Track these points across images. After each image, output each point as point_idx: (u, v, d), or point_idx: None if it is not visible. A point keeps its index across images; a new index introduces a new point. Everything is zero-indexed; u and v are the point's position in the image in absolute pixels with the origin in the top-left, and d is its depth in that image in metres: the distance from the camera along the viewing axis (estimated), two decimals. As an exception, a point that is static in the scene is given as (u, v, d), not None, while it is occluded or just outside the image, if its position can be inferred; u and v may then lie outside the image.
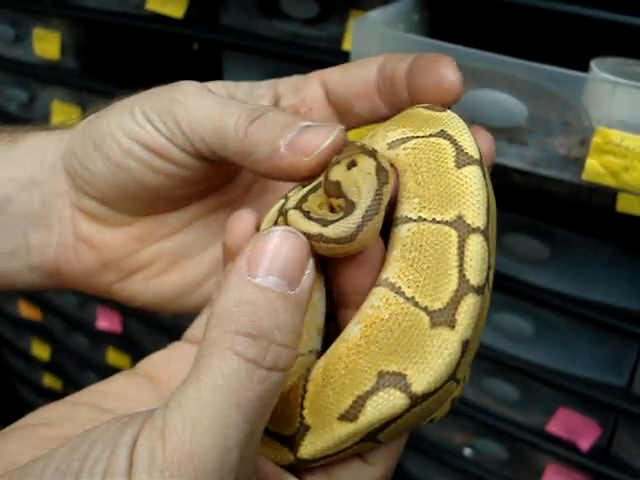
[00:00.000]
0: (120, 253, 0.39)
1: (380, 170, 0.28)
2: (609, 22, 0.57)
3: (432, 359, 0.26)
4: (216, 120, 0.32)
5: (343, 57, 0.74)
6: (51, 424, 0.30)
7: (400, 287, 0.27)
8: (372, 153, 0.29)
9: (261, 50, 0.82)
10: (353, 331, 0.27)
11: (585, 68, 0.58)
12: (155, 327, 1.19)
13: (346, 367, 0.26)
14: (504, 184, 0.70)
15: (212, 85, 0.37)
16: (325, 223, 0.26)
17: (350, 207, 0.27)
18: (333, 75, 0.38)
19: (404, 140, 0.30)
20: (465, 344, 0.26)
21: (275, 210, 0.31)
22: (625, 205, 0.63)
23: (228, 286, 0.24)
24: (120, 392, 0.33)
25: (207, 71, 0.89)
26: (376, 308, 0.27)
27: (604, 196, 0.64)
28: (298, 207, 0.28)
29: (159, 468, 0.22)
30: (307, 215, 0.27)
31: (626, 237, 0.67)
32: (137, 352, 1.28)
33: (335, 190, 0.28)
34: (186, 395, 0.23)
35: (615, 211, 0.64)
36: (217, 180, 0.38)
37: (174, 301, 0.40)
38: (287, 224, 0.28)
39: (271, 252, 0.25)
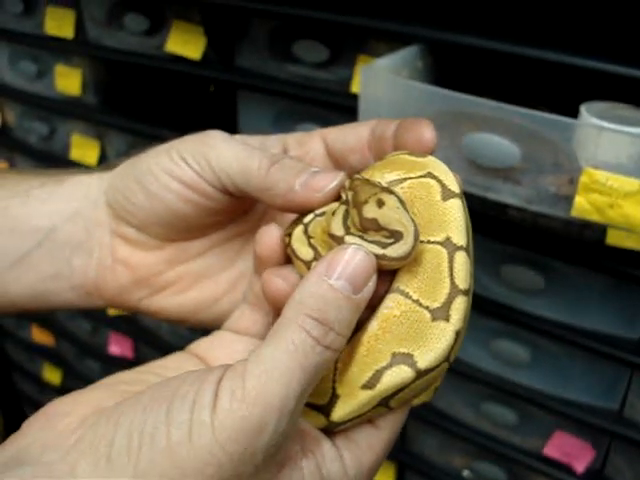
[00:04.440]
0: (151, 272, 0.45)
1: (402, 202, 0.35)
2: (598, 70, 0.62)
3: (433, 344, 0.34)
4: (242, 161, 0.40)
5: (351, 99, 0.79)
6: (129, 383, 0.36)
7: (408, 292, 0.35)
8: (390, 190, 0.36)
9: (274, 91, 0.87)
10: (372, 325, 0.35)
11: (577, 111, 0.63)
12: (166, 352, 1.22)
13: (367, 350, 0.34)
14: (501, 219, 0.75)
15: (231, 135, 0.43)
16: (383, 246, 0.33)
17: (398, 235, 0.34)
18: (333, 133, 0.45)
19: (400, 181, 0.38)
20: (457, 333, 0.34)
21: (300, 231, 0.39)
22: (614, 239, 0.67)
23: (309, 280, 0.32)
24: (178, 366, 0.38)
25: (222, 110, 0.94)
26: (390, 308, 0.35)
27: (594, 230, 0.69)
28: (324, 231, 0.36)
29: (238, 400, 0.28)
30: (367, 240, 0.34)
31: (616, 268, 0.71)
32: (147, 377, 1.31)
33: (373, 225, 0.35)
34: (264, 353, 0.30)
35: (605, 244, 0.69)
36: (235, 212, 0.45)
37: (194, 315, 0.46)
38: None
39: (345, 261, 0.32)
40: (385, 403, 0.34)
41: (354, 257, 0.32)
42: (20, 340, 1.55)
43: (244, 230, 0.47)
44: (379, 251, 0.33)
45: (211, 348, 0.41)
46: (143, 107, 1.04)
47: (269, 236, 0.39)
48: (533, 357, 0.82)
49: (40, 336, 1.48)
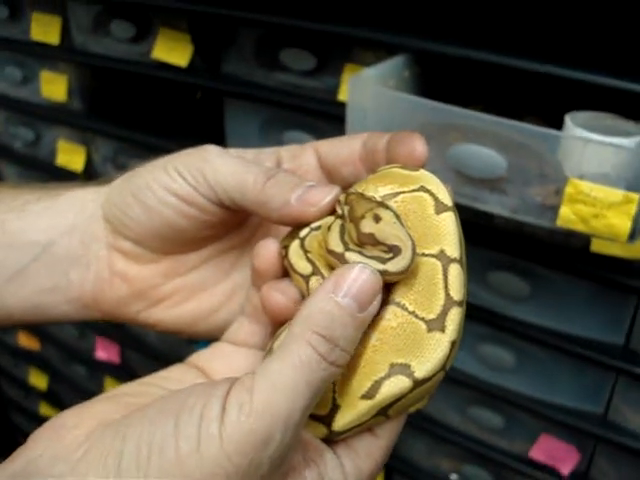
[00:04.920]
0: (148, 285, 0.46)
1: (398, 217, 0.36)
2: (582, 81, 0.63)
3: (429, 354, 0.35)
4: (238, 176, 0.40)
5: (338, 107, 0.79)
6: (132, 395, 0.36)
7: (405, 304, 0.36)
8: (386, 205, 0.37)
9: (260, 99, 0.87)
10: (370, 336, 0.36)
11: (562, 119, 0.64)
12: (152, 357, 1.23)
13: (366, 361, 0.35)
14: (488, 226, 0.75)
15: (226, 149, 0.44)
16: (383, 261, 0.34)
17: (396, 249, 0.35)
18: (326, 146, 0.45)
19: (394, 194, 0.38)
20: (453, 343, 0.35)
21: (297, 245, 0.39)
22: (599, 246, 0.68)
23: (316, 297, 0.32)
24: (180, 378, 0.40)
25: (209, 117, 0.94)
26: (387, 320, 0.36)
27: (579, 238, 0.70)
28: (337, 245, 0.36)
29: (246, 414, 0.29)
30: (367, 255, 0.35)
31: (601, 275, 0.72)
32: (134, 382, 1.31)
33: (370, 240, 0.35)
34: (271, 368, 0.31)
35: (589, 251, 0.70)
36: (231, 225, 0.45)
37: (192, 327, 0.47)
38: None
39: (352, 280, 0.33)
40: (384, 412, 0.35)
41: (360, 275, 0.33)
42: (6, 345, 1.54)
43: (239, 242, 0.47)
44: (380, 267, 0.34)
45: (211, 360, 0.42)
46: (129, 114, 1.04)
47: (267, 250, 0.40)
48: (519, 362, 0.83)
49: (26, 341, 1.48)
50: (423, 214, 0.37)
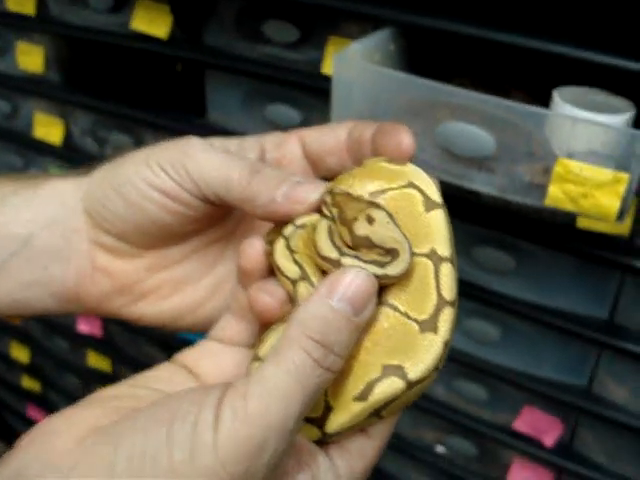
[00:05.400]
0: (131, 280, 0.45)
1: (391, 216, 0.36)
2: (569, 56, 0.62)
3: (422, 355, 0.34)
4: (222, 171, 0.39)
5: (322, 80, 0.78)
6: (120, 398, 0.35)
7: (397, 305, 0.35)
8: (377, 205, 0.36)
9: (242, 71, 0.86)
10: (362, 338, 0.35)
11: (550, 93, 0.63)
12: (135, 332, 1.22)
13: (358, 362, 0.35)
14: (474, 202, 0.75)
15: (210, 139, 0.43)
16: (381, 265, 0.34)
17: (394, 252, 0.34)
18: (310, 135, 0.44)
19: (382, 191, 0.38)
20: (446, 343, 0.35)
21: (282, 245, 0.38)
22: (584, 222, 0.68)
23: (311, 301, 0.32)
24: (169, 379, 0.39)
25: (190, 89, 0.92)
26: (379, 321, 0.35)
27: (565, 214, 0.69)
28: (339, 251, 0.35)
29: (240, 421, 0.29)
30: (364, 260, 0.34)
31: (586, 251, 0.72)
32: (117, 355, 1.31)
33: (365, 242, 0.35)
34: (266, 372, 0.30)
35: (575, 227, 0.70)
36: (214, 219, 0.45)
37: (176, 321, 0.46)
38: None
39: (347, 284, 0.32)
40: (377, 414, 0.35)
41: (355, 279, 0.32)
42: (-14, 319, 1.53)
43: (223, 235, 0.46)
44: (379, 271, 0.34)
45: (199, 359, 0.41)
46: (108, 86, 1.02)
47: (252, 249, 0.39)
48: (503, 336, 0.84)
49: (6, 315, 1.46)
50: (412, 212, 0.37)
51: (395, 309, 0.35)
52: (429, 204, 0.37)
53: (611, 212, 0.54)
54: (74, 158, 1.10)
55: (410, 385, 0.34)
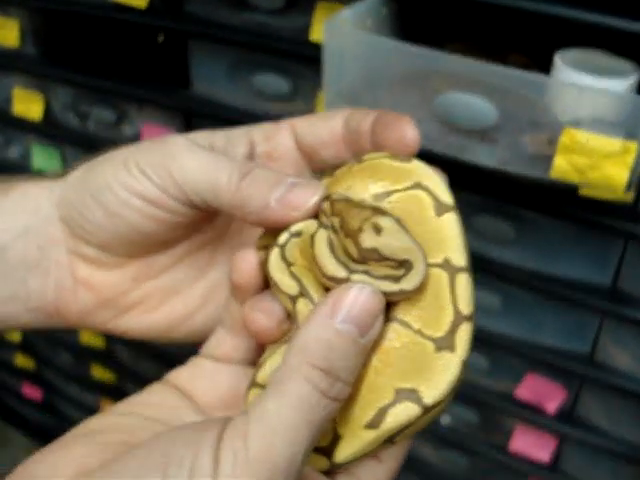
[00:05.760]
0: (116, 293, 0.42)
1: (398, 222, 0.32)
2: (569, 18, 0.59)
3: (438, 377, 0.31)
4: (209, 174, 0.36)
5: (310, 48, 0.75)
6: (106, 431, 0.33)
7: (408, 322, 0.32)
8: (382, 211, 0.33)
9: (227, 40, 0.82)
10: (371, 359, 0.32)
11: (549, 55, 0.61)
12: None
13: (368, 387, 0.32)
14: (473, 169, 0.73)
15: (192, 135, 0.40)
16: (395, 279, 0.31)
17: (407, 264, 0.31)
18: (303, 125, 0.41)
19: (387, 194, 0.35)
20: (464, 362, 0.32)
21: (277, 256, 0.35)
22: (587, 190, 0.66)
23: (312, 322, 0.29)
24: (159, 403, 0.36)
25: (173, 61, 0.89)
26: (390, 340, 0.32)
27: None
28: (343, 265, 0.32)
29: (241, 466, 0.26)
30: (376, 276, 0.31)
31: (588, 218, 0.70)
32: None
33: (375, 255, 0.32)
34: (267, 408, 0.28)
35: (577, 194, 0.67)
36: (202, 222, 0.42)
37: (166, 333, 0.43)
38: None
39: (351, 303, 0.29)
40: (390, 440, 0.32)
41: (360, 296, 0.29)
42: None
43: (212, 238, 0.43)
44: (394, 287, 0.31)
45: (192, 379, 0.38)
46: (88, 59, 0.98)
47: (246, 263, 0.36)
48: (504, 304, 0.82)
49: None
50: (422, 216, 0.34)
51: (407, 326, 0.32)
52: (440, 207, 0.34)
53: (619, 183, 0.52)
54: (56, 134, 1.07)
55: (426, 410, 0.31)
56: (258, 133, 0.42)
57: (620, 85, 0.56)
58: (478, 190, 0.75)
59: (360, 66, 0.62)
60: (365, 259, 0.32)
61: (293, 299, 0.33)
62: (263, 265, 0.36)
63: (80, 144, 1.05)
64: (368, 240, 0.32)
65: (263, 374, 0.34)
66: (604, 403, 0.83)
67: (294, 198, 0.34)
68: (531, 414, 0.87)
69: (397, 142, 0.36)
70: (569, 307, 0.78)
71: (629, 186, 0.52)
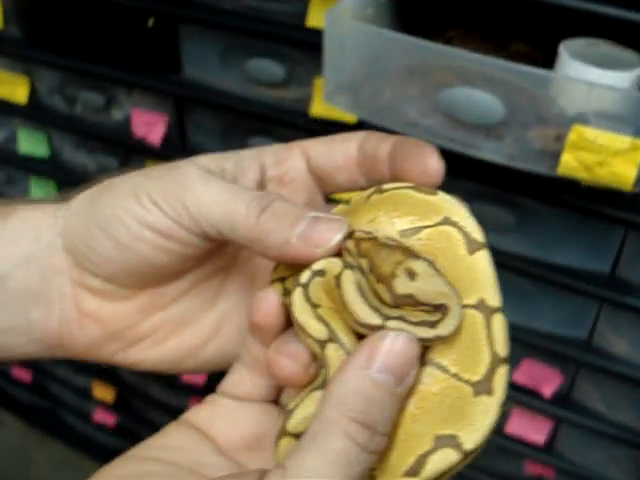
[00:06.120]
0: (124, 325, 0.40)
1: (431, 265, 0.31)
2: (573, 8, 0.58)
3: (478, 421, 0.31)
4: (225, 207, 0.34)
5: (307, 33, 0.73)
6: (128, 478, 0.32)
7: (445, 366, 0.31)
8: (415, 254, 0.32)
9: (219, 24, 0.80)
10: (408, 404, 0.31)
11: (553, 44, 0.59)
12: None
13: (406, 433, 0.31)
14: (473, 157, 0.72)
15: (201, 160, 0.38)
16: (431, 325, 0.30)
17: (443, 308, 0.30)
18: (315, 148, 0.39)
19: (415, 230, 0.33)
20: (502, 405, 0.31)
21: (301, 297, 0.33)
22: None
23: (348, 373, 0.28)
24: (179, 446, 0.35)
25: (164, 46, 0.87)
26: (427, 384, 0.31)
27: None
28: (373, 309, 0.31)
29: None
30: (411, 322, 0.30)
31: (588, 207, 0.70)
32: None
33: (410, 301, 0.31)
34: (305, 464, 0.27)
35: (577, 183, 0.67)
36: (213, 252, 0.40)
37: (176, 365, 0.42)
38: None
39: (387, 351, 0.29)
40: None
41: (395, 344, 0.29)
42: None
43: (222, 265, 0.41)
44: (431, 333, 0.30)
45: (212, 419, 0.37)
46: (74, 42, 0.95)
47: (267, 303, 0.35)
48: (504, 291, 0.81)
49: None
50: (454, 255, 0.32)
51: (444, 370, 0.31)
52: (471, 244, 0.33)
53: (628, 181, 0.51)
54: (42, 118, 1.04)
55: (466, 455, 0.31)
56: (269, 156, 0.40)
57: (627, 77, 0.55)
58: (478, 178, 0.74)
59: (361, 57, 0.61)
60: (399, 304, 0.31)
61: (322, 343, 0.32)
62: (285, 305, 0.34)
63: (67, 128, 1.03)
64: (403, 286, 0.31)
65: (294, 423, 0.32)
66: (600, 388, 0.84)
67: (317, 235, 0.33)
68: (528, 397, 0.87)
69: (420, 173, 0.34)
70: (568, 294, 0.78)
71: (637, 183, 0.51)
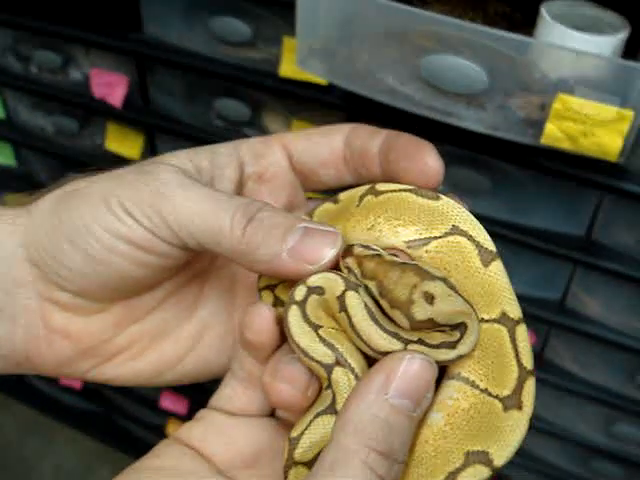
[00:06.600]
0: (97, 340, 0.37)
1: (447, 283, 0.30)
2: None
3: (508, 437, 0.30)
4: (208, 217, 0.31)
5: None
6: None
7: (474, 381, 0.31)
8: (431, 275, 0.30)
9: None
10: (435, 419, 0.31)
11: (533, 5, 0.57)
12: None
13: (435, 449, 0.30)
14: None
15: (175, 159, 0.35)
16: (451, 345, 0.29)
17: (462, 327, 0.30)
18: (297, 142, 0.37)
19: (423, 242, 0.32)
20: (531, 419, 0.31)
21: (298, 317, 0.31)
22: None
23: (365, 399, 0.27)
24: (175, 467, 0.33)
25: (122, 2, 0.82)
26: (456, 399, 0.31)
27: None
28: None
29: None
30: (432, 345, 0.29)
31: (563, 170, 0.69)
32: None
33: (429, 325, 0.30)
34: None
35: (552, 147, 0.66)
36: (192, 259, 0.37)
37: (156, 378, 0.39)
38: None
39: (404, 375, 0.27)
40: None
41: (411, 367, 0.28)
42: None
43: (200, 271, 0.39)
44: (452, 355, 0.29)
45: (206, 436, 0.35)
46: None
47: (260, 320, 0.32)
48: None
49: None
50: (468, 268, 0.31)
51: (474, 386, 0.31)
52: (484, 255, 0.31)
53: (613, 151, 0.50)
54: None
55: (495, 471, 0.30)
56: (247, 151, 0.37)
57: (611, 42, 0.54)
58: (453, 141, 0.72)
59: (336, 19, 0.58)
60: (416, 329, 0.30)
61: (328, 368, 0.31)
62: (279, 318, 0.32)
63: (23, 89, 0.98)
64: (422, 312, 0.29)
65: (301, 451, 0.31)
66: (573, 348, 0.84)
67: (309, 250, 0.30)
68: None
69: (419, 174, 0.32)
70: (542, 257, 0.77)
71: (622, 153, 0.50)
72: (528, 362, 0.31)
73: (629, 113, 0.48)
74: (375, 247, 0.31)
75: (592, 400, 0.85)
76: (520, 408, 0.31)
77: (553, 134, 0.51)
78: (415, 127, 0.63)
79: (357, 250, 0.31)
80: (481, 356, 0.31)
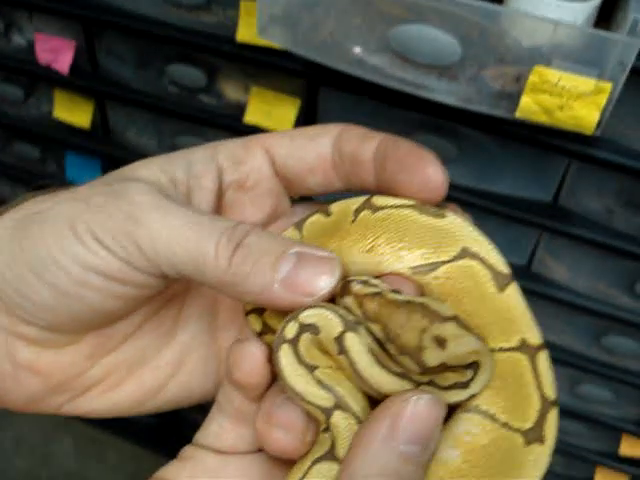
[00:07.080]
0: (69, 374, 0.34)
1: (458, 322, 0.27)
2: None
3: (529, 473, 0.29)
4: (190, 245, 0.28)
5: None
6: None
7: (494, 414, 0.29)
8: (443, 317, 0.27)
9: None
10: (451, 455, 0.29)
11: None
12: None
13: None
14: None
15: (146, 171, 0.31)
16: (464, 386, 0.28)
17: (474, 365, 0.28)
18: (280, 146, 0.34)
19: (431, 267, 0.29)
20: (553, 453, 0.29)
21: (292, 358, 0.29)
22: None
23: (371, 448, 0.25)
24: None
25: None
26: (474, 435, 0.29)
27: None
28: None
29: None
30: (443, 387, 0.28)
31: (531, 136, 0.68)
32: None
33: (443, 369, 0.27)
34: None
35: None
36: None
37: (135, 408, 0.36)
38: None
39: (411, 418, 0.25)
40: None
41: (418, 409, 0.25)
42: None
43: (173, 294, 0.36)
44: (464, 395, 0.27)
45: (195, 478, 0.32)
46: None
47: (252, 359, 0.30)
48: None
49: None
50: (482, 295, 0.29)
51: (493, 419, 0.29)
52: (499, 279, 0.29)
53: (589, 124, 0.48)
54: None
55: None
56: (225, 157, 0.34)
57: (583, 8, 0.52)
58: (419, 108, 0.70)
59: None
60: (431, 373, 0.28)
61: (327, 412, 0.28)
62: (273, 365, 0.30)
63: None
64: (433, 358, 0.27)
65: None
66: (539, 312, 0.84)
67: (304, 281, 0.28)
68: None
69: (421, 187, 0.29)
70: (508, 223, 0.77)
71: (598, 126, 0.49)
72: (550, 392, 0.29)
73: (607, 85, 0.46)
74: (374, 281, 0.29)
75: (558, 362, 0.86)
76: (542, 442, 0.29)
77: (528, 107, 0.49)
78: (380, 94, 0.61)
79: (356, 288, 0.28)
80: (501, 387, 0.29)
